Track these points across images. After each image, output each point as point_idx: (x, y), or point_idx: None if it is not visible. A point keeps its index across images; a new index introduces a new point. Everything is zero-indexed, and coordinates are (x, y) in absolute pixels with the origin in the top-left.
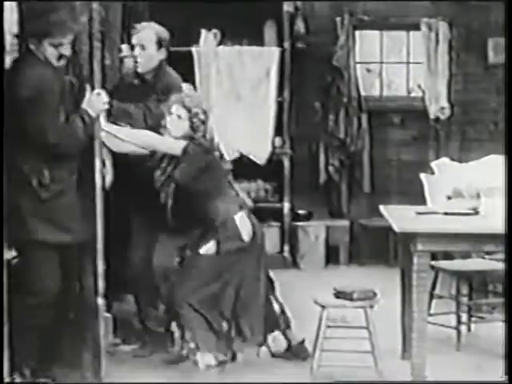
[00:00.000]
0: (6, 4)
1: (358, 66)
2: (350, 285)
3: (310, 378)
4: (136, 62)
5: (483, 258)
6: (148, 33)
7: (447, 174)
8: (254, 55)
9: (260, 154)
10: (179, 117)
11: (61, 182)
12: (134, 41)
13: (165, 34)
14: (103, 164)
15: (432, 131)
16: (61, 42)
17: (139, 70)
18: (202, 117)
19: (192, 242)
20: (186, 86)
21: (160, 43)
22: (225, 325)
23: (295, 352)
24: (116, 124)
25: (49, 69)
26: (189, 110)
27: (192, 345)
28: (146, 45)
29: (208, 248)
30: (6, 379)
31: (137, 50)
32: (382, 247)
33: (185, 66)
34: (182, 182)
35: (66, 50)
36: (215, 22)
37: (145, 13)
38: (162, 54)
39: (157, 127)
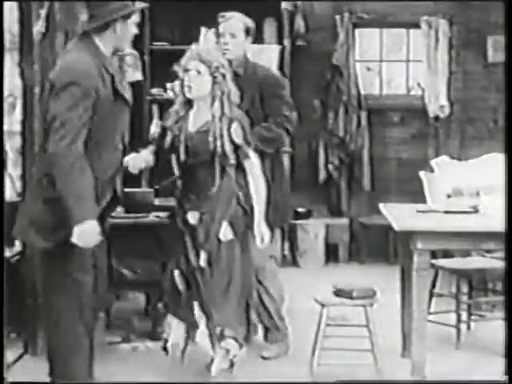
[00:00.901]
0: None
1: (358, 64)
2: (350, 283)
3: (309, 376)
4: (226, 49)
5: (483, 256)
6: (236, 21)
7: (447, 173)
8: (253, 53)
9: None
10: (198, 72)
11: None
12: (221, 29)
13: (251, 23)
14: None
15: (432, 129)
16: (136, 20)
17: (228, 56)
18: (222, 70)
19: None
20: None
21: (247, 32)
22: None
23: None
24: None
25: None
26: (209, 66)
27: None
28: (236, 33)
29: (224, 232)
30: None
31: (227, 38)
32: (381, 245)
33: None
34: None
35: (136, 29)
36: (215, 20)
37: (145, 12)
38: (249, 42)
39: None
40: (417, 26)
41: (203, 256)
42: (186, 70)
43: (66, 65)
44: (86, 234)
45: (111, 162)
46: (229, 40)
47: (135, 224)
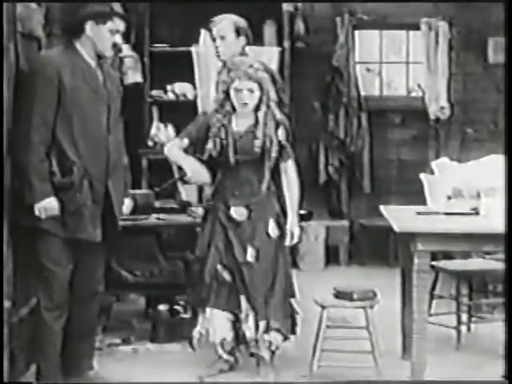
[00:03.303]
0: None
1: (358, 65)
2: (350, 285)
3: (309, 378)
4: (218, 52)
5: (483, 257)
6: (226, 23)
7: (447, 174)
8: (253, 54)
9: None
10: (251, 91)
11: None
12: (213, 33)
13: (242, 22)
14: None
15: (432, 131)
16: (118, 28)
17: (222, 58)
18: (267, 81)
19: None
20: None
21: (238, 31)
22: None
23: None
24: None
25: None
26: (257, 81)
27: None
28: (226, 34)
29: (272, 228)
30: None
31: (218, 41)
32: (382, 247)
33: (184, 66)
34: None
35: (119, 39)
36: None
37: (145, 13)
38: (242, 41)
39: None
40: (417, 27)
41: (251, 252)
42: (239, 90)
43: (35, 57)
44: (45, 208)
45: (91, 151)
46: (219, 43)
47: (135, 226)
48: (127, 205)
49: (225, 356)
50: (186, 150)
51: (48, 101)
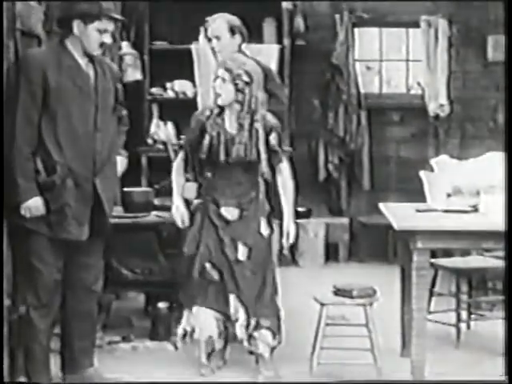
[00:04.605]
0: None
1: (358, 63)
2: (350, 282)
3: (309, 375)
4: (215, 52)
5: (483, 255)
6: (220, 23)
7: (447, 172)
8: (253, 52)
9: None
10: (223, 80)
11: None
12: (208, 34)
13: (236, 21)
14: None
15: (431, 128)
16: (106, 28)
17: (218, 58)
18: (245, 78)
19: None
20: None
21: (233, 30)
22: None
23: None
24: None
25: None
26: (230, 72)
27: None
28: (221, 34)
29: (264, 227)
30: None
31: (214, 42)
32: (381, 245)
33: (184, 64)
34: None
35: (108, 38)
36: None
37: (144, 10)
38: (238, 40)
39: None
40: (416, 25)
41: (242, 250)
42: (216, 78)
43: (21, 55)
44: (30, 208)
45: (75, 150)
46: (215, 43)
47: (135, 223)
48: (121, 162)
49: (204, 361)
50: (185, 161)
51: (32, 100)
